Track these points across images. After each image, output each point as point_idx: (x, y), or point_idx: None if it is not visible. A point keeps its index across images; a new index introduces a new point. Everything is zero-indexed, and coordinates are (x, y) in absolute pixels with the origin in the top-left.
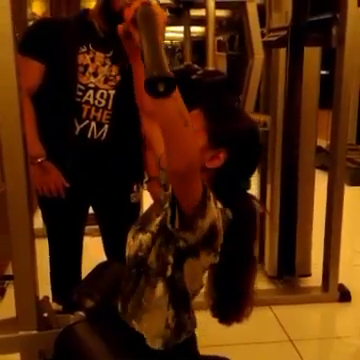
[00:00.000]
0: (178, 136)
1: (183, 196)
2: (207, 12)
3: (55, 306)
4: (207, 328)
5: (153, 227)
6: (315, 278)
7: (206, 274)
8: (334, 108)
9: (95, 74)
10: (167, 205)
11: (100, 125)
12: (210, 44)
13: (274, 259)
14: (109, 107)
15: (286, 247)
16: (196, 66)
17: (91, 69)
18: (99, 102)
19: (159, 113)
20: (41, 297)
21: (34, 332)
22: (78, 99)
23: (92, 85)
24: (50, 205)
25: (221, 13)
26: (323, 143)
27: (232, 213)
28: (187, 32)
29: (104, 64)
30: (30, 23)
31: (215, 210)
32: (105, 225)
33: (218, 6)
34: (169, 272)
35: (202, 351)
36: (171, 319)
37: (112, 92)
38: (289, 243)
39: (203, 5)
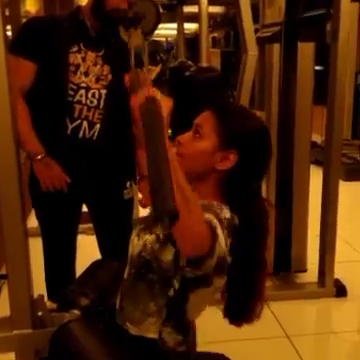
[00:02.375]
0: (183, 226)
1: (191, 254)
2: (200, 8)
3: (50, 305)
4: (203, 325)
5: (159, 229)
6: (311, 274)
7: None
8: (328, 103)
9: (86, 74)
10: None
11: (92, 124)
12: (203, 41)
13: (270, 255)
14: (101, 107)
15: (282, 243)
16: (190, 63)
17: (82, 69)
18: (91, 102)
19: None
20: (35, 296)
21: (29, 331)
22: (70, 98)
23: (84, 85)
24: (44, 204)
25: (216, 9)
26: (318, 139)
27: (243, 215)
28: (180, 29)
29: (95, 64)
30: (24, 21)
31: (223, 244)
32: (100, 223)
33: (211, 2)
34: (171, 293)
35: (198, 348)
36: (166, 335)
37: (103, 92)
38: (285, 239)
39: (196, 1)
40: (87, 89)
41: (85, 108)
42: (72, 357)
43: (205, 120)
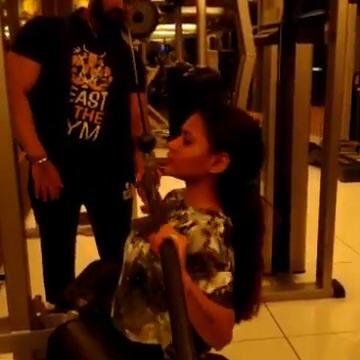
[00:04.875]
0: (208, 332)
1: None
2: (198, 9)
3: (48, 305)
4: None
5: None
6: (309, 274)
7: None
8: (326, 105)
9: (88, 75)
10: None
11: (92, 126)
12: (201, 42)
13: (268, 256)
14: (101, 108)
15: (280, 244)
16: (188, 64)
17: (84, 70)
18: (92, 103)
19: None
20: (34, 296)
21: (27, 332)
22: (71, 100)
23: (85, 86)
24: (43, 205)
25: (214, 11)
26: (317, 140)
27: (239, 214)
28: (178, 30)
29: (97, 65)
30: (22, 22)
31: (230, 277)
32: (99, 224)
33: (209, 3)
34: None
35: None
36: (166, 346)
37: (104, 93)
38: (283, 240)
39: (194, 2)
40: (88, 91)
41: (86, 109)
42: (70, 358)
43: (194, 125)
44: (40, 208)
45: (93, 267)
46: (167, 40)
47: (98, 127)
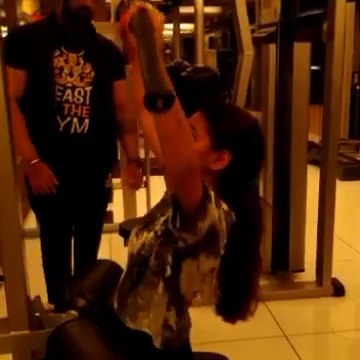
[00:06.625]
0: (173, 138)
1: (183, 196)
2: (195, 9)
3: (47, 306)
4: (201, 325)
5: (157, 226)
6: (309, 273)
7: (205, 276)
8: (325, 103)
9: (71, 74)
10: (170, 205)
11: (81, 120)
12: (199, 41)
13: (268, 255)
14: (87, 103)
15: (279, 242)
16: (186, 63)
17: (66, 70)
18: (77, 99)
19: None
20: (33, 297)
21: (26, 332)
22: (58, 99)
23: (70, 85)
24: (43, 204)
25: (213, 10)
26: (316, 139)
27: (238, 213)
28: (176, 29)
29: (78, 63)
30: (20, 23)
31: (216, 211)
32: (81, 213)
33: (207, 3)
34: (168, 272)
35: (196, 348)
36: (171, 320)
37: (88, 88)
38: (282, 238)
39: (192, 2)
40: (73, 88)
41: (73, 106)
42: (69, 358)
43: (196, 122)
44: (41, 209)
45: (92, 266)
46: (165, 39)
47: (87, 120)
